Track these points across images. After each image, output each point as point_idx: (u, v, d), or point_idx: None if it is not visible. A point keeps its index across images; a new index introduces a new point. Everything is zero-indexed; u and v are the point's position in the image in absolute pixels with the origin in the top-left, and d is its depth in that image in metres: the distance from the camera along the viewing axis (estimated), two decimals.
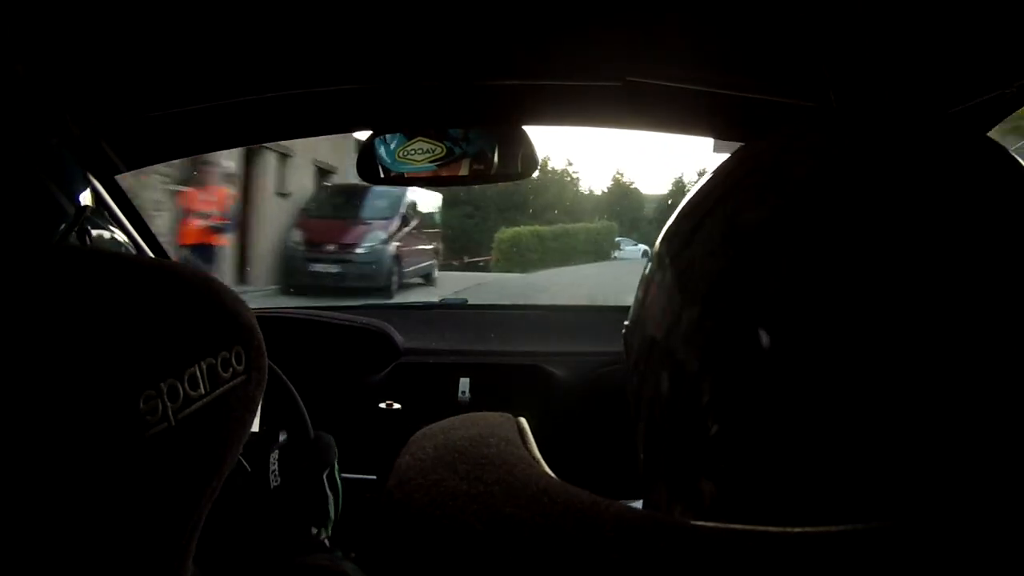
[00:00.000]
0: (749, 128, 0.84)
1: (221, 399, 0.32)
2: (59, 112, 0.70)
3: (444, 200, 12.42)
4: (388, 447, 0.44)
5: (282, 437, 0.93)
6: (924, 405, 0.20)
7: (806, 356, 0.21)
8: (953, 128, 0.25)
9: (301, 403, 0.87)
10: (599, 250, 14.94)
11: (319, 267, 7.30)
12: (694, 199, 0.28)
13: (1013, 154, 0.24)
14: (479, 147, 0.85)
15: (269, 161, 8.04)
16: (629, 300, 0.31)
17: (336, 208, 8.05)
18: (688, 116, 0.85)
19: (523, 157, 0.85)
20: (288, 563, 0.62)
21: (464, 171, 0.86)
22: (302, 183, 8.83)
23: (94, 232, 0.76)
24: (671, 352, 0.25)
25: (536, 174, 0.89)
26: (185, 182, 5.17)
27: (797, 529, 0.18)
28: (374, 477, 1.03)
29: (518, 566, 0.18)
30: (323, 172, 9.69)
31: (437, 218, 10.13)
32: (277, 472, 0.80)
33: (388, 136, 0.85)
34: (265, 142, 1.21)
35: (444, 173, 0.86)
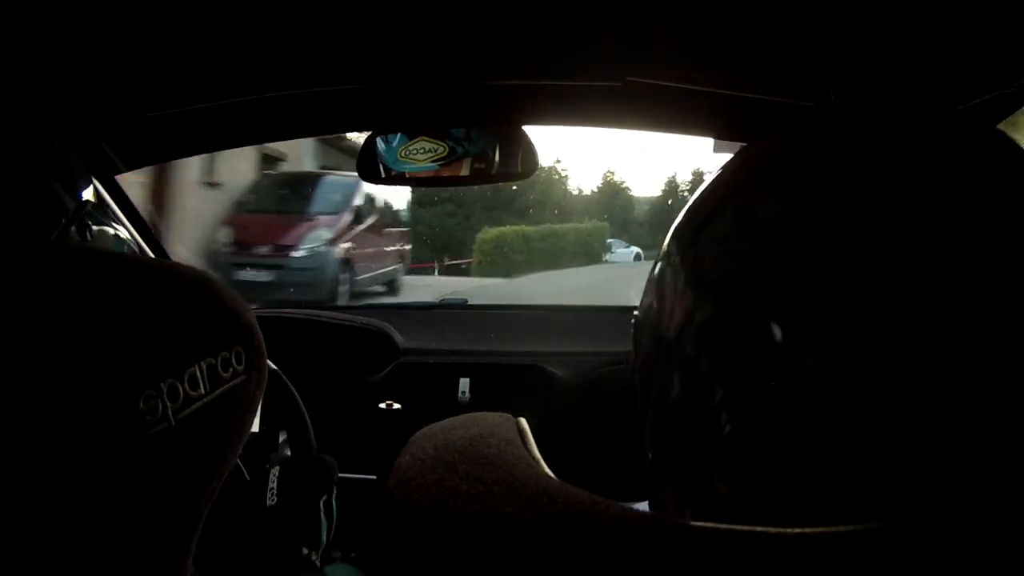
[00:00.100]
0: (749, 128, 0.84)
1: (221, 399, 0.32)
2: (60, 112, 0.70)
3: (423, 197, 11.75)
4: (388, 447, 0.44)
5: (282, 437, 0.94)
6: (940, 404, 0.19)
7: (820, 355, 0.21)
8: (963, 121, 0.25)
9: (307, 419, 0.87)
10: (589, 252, 13.73)
11: (247, 275, 5.71)
12: (702, 197, 0.28)
13: None
14: (481, 147, 0.85)
15: None
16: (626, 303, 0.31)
17: (279, 201, 6.41)
18: (688, 116, 0.85)
19: (524, 157, 0.85)
20: None
21: (465, 171, 0.86)
22: (239, 171, 6.89)
23: (97, 228, 0.76)
24: (682, 351, 0.25)
25: None
26: None
27: (796, 530, 0.18)
28: (374, 477, 1.03)
29: (518, 566, 0.18)
30: (269, 160, 7.80)
31: (404, 215, 8.63)
32: (275, 491, 0.80)
33: (390, 136, 0.85)
34: (265, 142, 1.21)
35: (446, 173, 0.86)
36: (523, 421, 0.27)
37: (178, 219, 6.16)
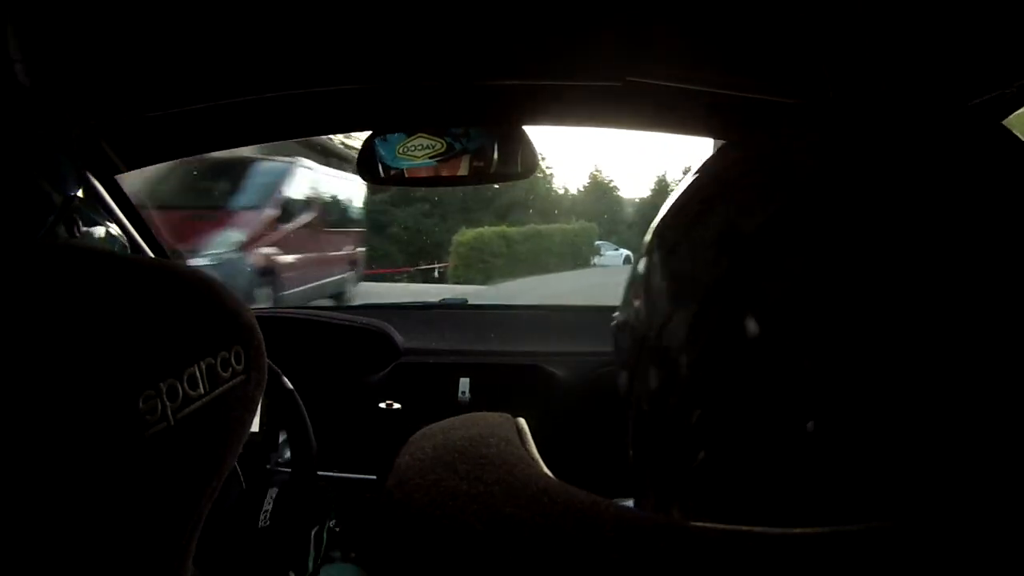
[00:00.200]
0: (749, 128, 0.83)
1: (220, 399, 0.32)
2: (59, 112, 0.70)
3: (396, 195, 10.75)
4: (388, 447, 0.44)
5: (282, 437, 0.94)
6: (926, 410, 0.20)
7: (802, 358, 0.21)
8: (951, 120, 0.25)
9: (307, 420, 0.87)
10: (577, 255, 12.52)
11: None
12: (684, 198, 0.28)
13: None
14: (479, 143, 0.85)
15: None
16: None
17: (197, 196, 5.10)
18: (688, 116, 0.85)
19: (523, 157, 0.85)
20: None
21: (464, 170, 0.86)
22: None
23: (88, 226, 0.76)
24: (662, 351, 0.25)
25: None
26: None
27: (797, 530, 0.18)
28: (374, 477, 1.03)
29: (518, 566, 0.18)
30: None
31: (356, 212, 7.06)
32: (269, 513, 0.80)
33: (388, 135, 0.85)
34: (265, 142, 1.21)
35: (444, 172, 0.86)
36: (522, 421, 0.27)
37: None
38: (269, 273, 5.03)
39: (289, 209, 5.34)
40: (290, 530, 0.80)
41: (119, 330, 0.29)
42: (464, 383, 1.11)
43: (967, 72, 0.57)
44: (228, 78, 0.75)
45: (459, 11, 0.62)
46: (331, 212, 6.23)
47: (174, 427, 0.30)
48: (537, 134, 0.85)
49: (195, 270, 0.34)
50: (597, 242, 13.14)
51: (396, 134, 0.85)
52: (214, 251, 4.63)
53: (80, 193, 0.76)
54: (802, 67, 0.67)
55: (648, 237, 0.28)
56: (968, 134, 0.24)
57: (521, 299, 7.64)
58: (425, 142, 0.85)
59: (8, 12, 0.55)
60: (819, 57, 0.63)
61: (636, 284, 0.28)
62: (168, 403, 0.29)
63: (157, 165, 0.90)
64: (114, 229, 0.84)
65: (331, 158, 6.94)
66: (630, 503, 0.26)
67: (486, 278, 10.06)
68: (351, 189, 6.66)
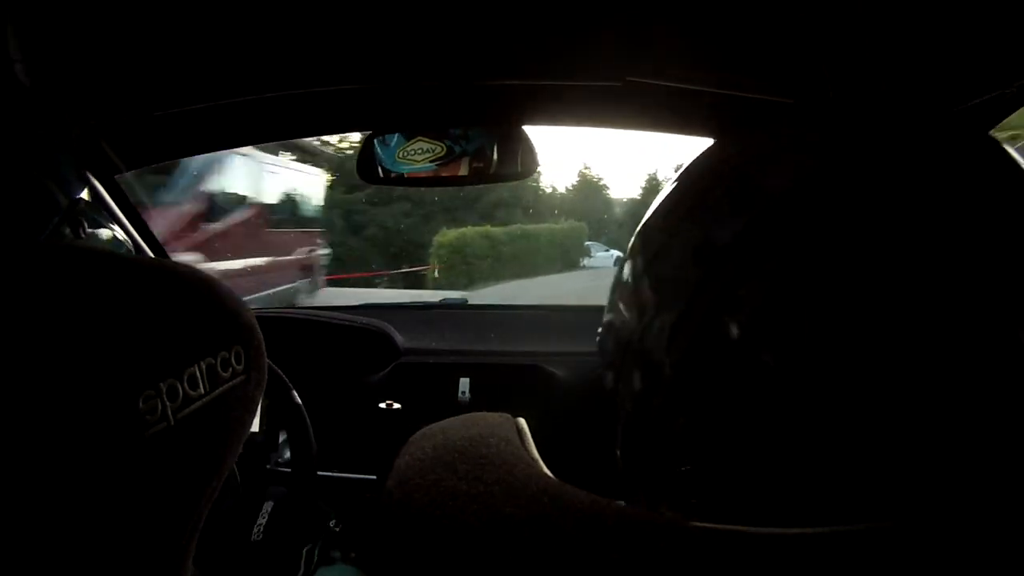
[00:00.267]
0: (749, 128, 0.83)
1: (220, 399, 0.32)
2: (59, 112, 0.70)
3: (374, 194, 9.85)
4: (388, 447, 0.45)
5: (282, 437, 0.94)
6: (910, 412, 0.20)
7: (784, 359, 0.21)
8: (923, 131, 0.25)
9: (307, 420, 0.86)
10: (566, 256, 11.73)
11: None
12: (666, 204, 0.28)
13: (1011, 152, 0.24)
14: (479, 144, 0.85)
15: None
16: None
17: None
18: (688, 116, 0.85)
19: (523, 157, 0.85)
20: None
21: (464, 171, 0.86)
22: None
23: (95, 230, 0.76)
24: (646, 353, 0.25)
25: None
26: None
27: (795, 530, 0.18)
28: (374, 477, 1.03)
29: (518, 566, 0.18)
30: None
31: (309, 209, 6.11)
32: (263, 527, 0.80)
33: (387, 136, 0.85)
34: (265, 142, 1.21)
35: (444, 173, 0.86)
36: (522, 421, 0.27)
37: None
38: None
39: (217, 206, 4.42)
40: (282, 546, 0.80)
41: (119, 330, 0.29)
42: (464, 383, 1.11)
43: (967, 72, 0.57)
44: (228, 78, 0.75)
45: (459, 11, 0.62)
46: (278, 210, 5.23)
47: (174, 427, 0.30)
48: (527, 131, 0.85)
49: (195, 270, 0.34)
50: (587, 242, 12.54)
51: (396, 137, 0.85)
52: None
53: (85, 195, 0.76)
54: (802, 67, 0.67)
55: (632, 240, 0.29)
56: (941, 141, 0.24)
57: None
58: (425, 145, 0.85)
59: (8, 12, 0.55)
60: (819, 57, 0.63)
61: (621, 286, 0.28)
62: (168, 403, 0.29)
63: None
64: (119, 231, 0.84)
65: (292, 149, 6.06)
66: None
67: (469, 282, 9.41)
68: (303, 183, 5.57)
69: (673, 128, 0.92)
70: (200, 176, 4.34)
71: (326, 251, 6.58)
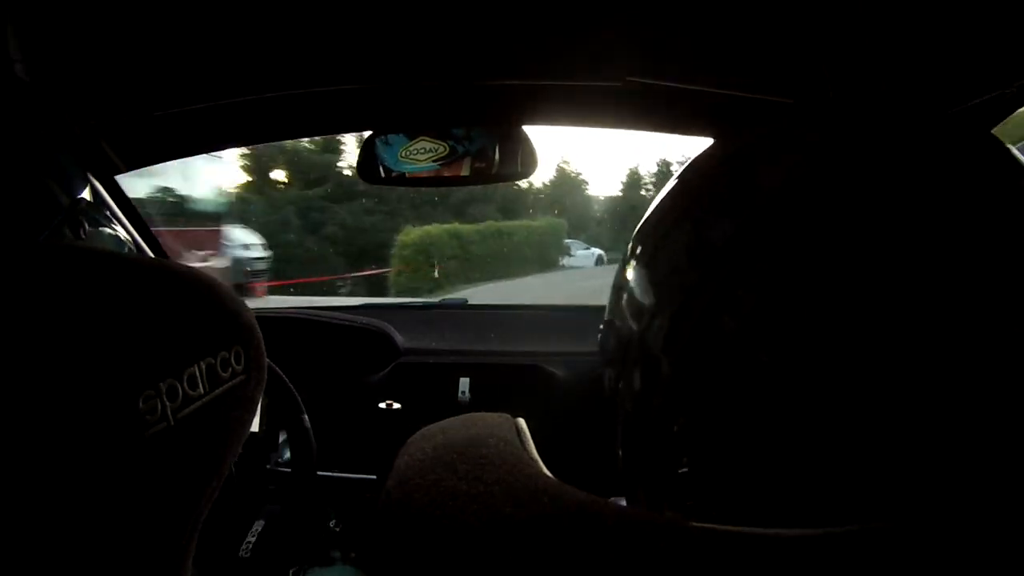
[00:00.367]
0: (747, 128, 0.83)
1: (220, 399, 0.32)
2: (59, 112, 0.70)
3: (337, 189, 9.25)
4: (388, 447, 0.44)
5: (282, 437, 0.94)
6: (910, 412, 0.20)
7: (782, 358, 0.21)
8: (913, 132, 0.25)
9: (306, 420, 0.86)
10: (544, 256, 10.64)
11: None
12: (664, 203, 0.28)
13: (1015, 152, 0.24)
14: (481, 145, 0.85)
15: None
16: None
17: None
18: (688, 116, 0.85)
19: (523, 157, 0.85)
20: None
21: (466, 171, 0.86)
22: None
23: (95, 229, 0.76)
24: (645, 352, 0.25)
25: None
26: None
27: (795, 531, 0.18)
28: (374, 477, 1.03)
29: (517, 566, 0.18)
30: None
31: (211, 204, 5.18)
32: (252, 545, 0.79)
33: (390, 136, 0.85)
34: (265, 142, 1.21)
35: (446, 173, 0.86)
36: (521, 421, 0.27)
37: None
38: None
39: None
40: (270, 567, 0.79)
41: (119, 330, 0.29)
42: (464, 383, 1.11)
43: (967, 72, 0.57)
44: (228, 78, 0.75)
45: (459, 11, 0.62)
46: (167, 203, 4.32)
47: (174, 427, 0.30)
48: (527, 131, 0.85)
49: (195, 270, 0.34)
50: (566, 240, 11.56)
51: (398, 136, 0.85)
52: None
53: (86, 194, 0.76)
54: (802, 67, 0.67)
55: (632, 239, 0.29)
56: (939, 139, 0.24)
57: None
58: (428, 145, 0.85)
59: (8, 12, 0.55)
60: (819, 57, 0.63)
61: (620, 285, 0.28)
62: (168, 403, 0.29)
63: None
64: (120, 231, 0.84)
65: None
66: (621, 502, 0.26)
67: (435, 286, 8.46)
68: (203, 170, 4.49)
69: (673, 128, 0.92)
70: None
71: (258, 254, 5.76)
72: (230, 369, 0.33)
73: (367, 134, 0.86)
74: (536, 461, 0.23)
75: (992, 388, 0.19)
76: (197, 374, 0.31)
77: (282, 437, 0.95)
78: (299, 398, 0.88)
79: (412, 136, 0.84)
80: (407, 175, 0.86)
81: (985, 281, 0.20)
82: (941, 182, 0.22)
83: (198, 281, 0.33)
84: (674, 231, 0.26)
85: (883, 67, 0.61)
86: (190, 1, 0.58)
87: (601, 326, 0.31)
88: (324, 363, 1.13)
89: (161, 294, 0.31)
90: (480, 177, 0.87)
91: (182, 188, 4.79)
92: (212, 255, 4.78)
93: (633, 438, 0.26)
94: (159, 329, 0.30)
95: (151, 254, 0.97)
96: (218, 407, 0.32)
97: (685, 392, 0.23)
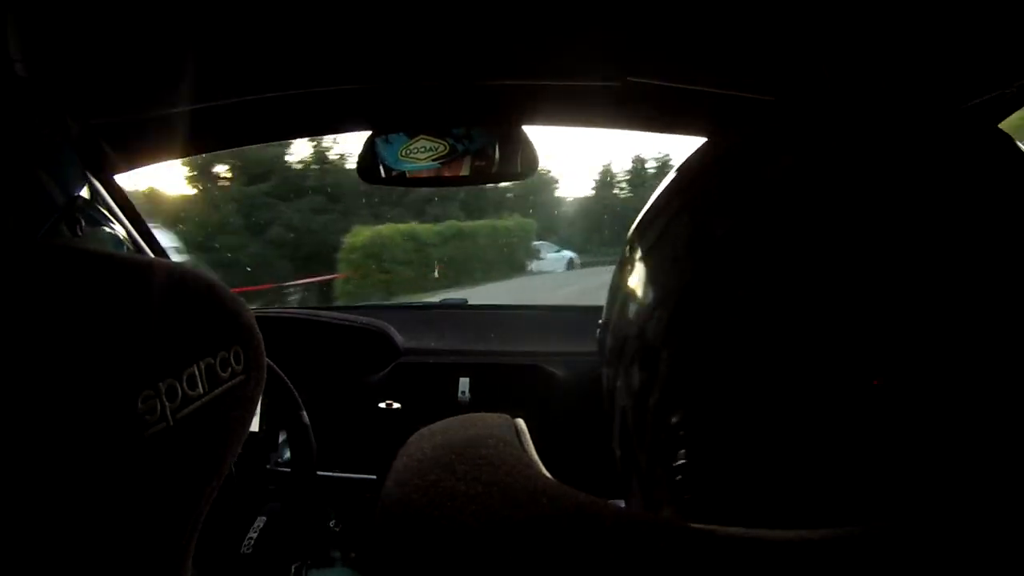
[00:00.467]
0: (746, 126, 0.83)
1: (220, 399, 0.32)
2: (58, 111, 0.70)
3: (282, 187, 8.32)
4: (388, 447, 0.44)
5: (282, 437, 0.94)
6: (913, 412, 0.20)
7: (772, 355, 0.21)
8: (906, 126, 0.24)
9: (306, 420, 0.86)
10: (511, 259, 9.52)
11: None
12: (661, 199, 0.28)
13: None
14: (481, 144, 0.85)
15: None
16: None
17: None
18: (688, 116, 0.85)
19: (523, 157, 0.85)
20: None
21: (466, 170, 0.86)
22: None
23: (93, 228, 0.75)
24: (643, 350, 0.25)
25: None
26: None
27: (795, 532, 0.18)
28: (374, 477, 1.03)
29: (516, 567, 0.18)
30: None
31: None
32: (253, 541, 0.79)
33: (390, 136, 0.85)
34: (265, 142, 1.21)
35: (446, 173, 0.86)
36: (521, 422, 0.27)
37: None
38: None
39: None
40: (271, 562, 0.79)
41: (118, 330, 0.29)
42: (464, 383, 1.11)
43: (967, 72, 0.57)
44: (228, 78, 0.75)
45: (459, 11, 0.62)
46: None
47: (173, 427, 0.30)
48: (526, 131, 0.85)
49: (195, 270, 0.34)
50: (535, 242, 10.42)
51: (398, 136, 0.85)
52: None
53: (85, 193, 0.76)
54: (803, 68, 0.67)
55: (629, 236, 0.29)
56: (938, 135, 0.24)
57: None
58: (428, 144, 0.85)
59: (8, 12, 0.55)
60: (819, 58, 0.63)
61: (618, 284, 0.28)
62: (167, 403, 0.29)
63: None
64: (119, 229, 0.84)
65: None
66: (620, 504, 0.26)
67: (387, 295, 7.54)
68: None
69: (673, 128, 0.91)
70: None
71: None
72: (229, 369, 0.33)
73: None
74: (535, 462, 0.23)
75: (995, 388, 0.19)
76: (196, 374, 0.31)
77: (282, 437, 0.95)
78: (298, 398, 0.88)
79: (412, 135, 0.84)
80: (407, 174, 0.86)
81: (991, 278, 0.20)
82: (949, 176, 0.22)
83: (198, 281, 0.33)
84: (672, 227, 0.26)
85: (883, 67, 0.61)
86: (190, 1, 0.58)
87: (599, 326, 0.31)
88: (324, 363, 1.13)
89: (160, 294, 0.31)
90: (480, 176, 0.87)
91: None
92: None
93: (630, 433, 0.26)
94: (158, 329, 0.30)
95: (151, 254, 0.97)
96: (218, 407, 0.32)
97: (683, 385, 0.23)
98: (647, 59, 0.70)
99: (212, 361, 0.32)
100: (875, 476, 0.20)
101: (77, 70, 0.67)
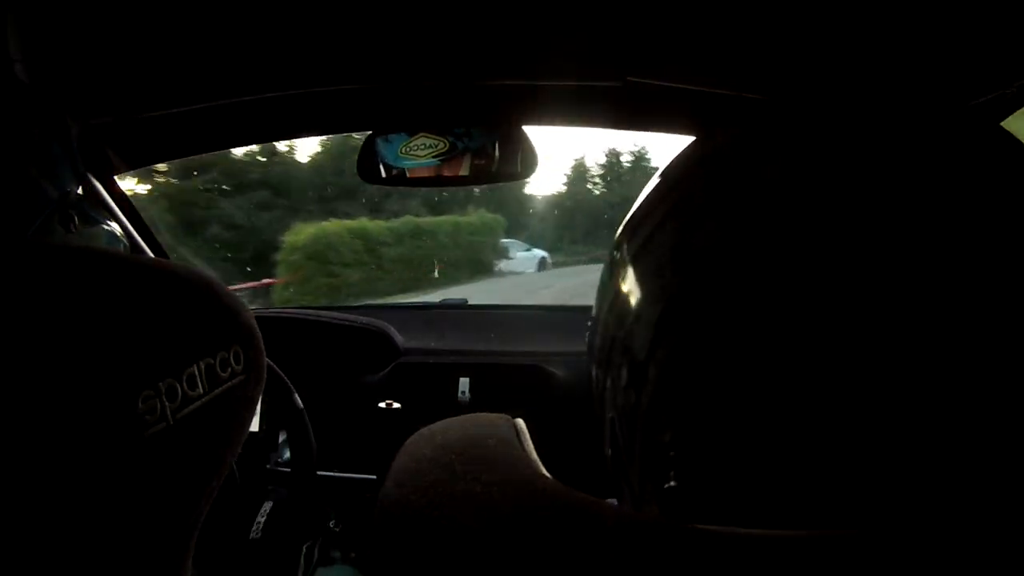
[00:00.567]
0: (730, 125, 0.83)
1: (220, 399, 0.32)
2: (58, 112, 0.70)
3: (227, 179, 7.44)
4: (388, 447, 0.44)
5: (282, 437, 0.94)
6: (900, 418, 0.19)
7: (763, 359, 0.21)
8: (916, 129, 0.24)
9: (306, 420, 0.87)
10: (476, 259, 8.57)
11: None
12: (647, 203, 0.28)
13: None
14: (481, 143, 0.85)
15: None
16: None
17: None
18: (689, 117, 0.85)
19: (523, 157, 0.85)
20: None
21: (465, 170, 0.86)
22: None
23: (88, 225, 0.75)
24: (631, 351, 0.25)
25: None
26: None
27: (795, 533, 0.18)
28: (374, 477, 1.03)
29: (516, 567, 0.18)
30: None
31: None
32: (262, 525, 0.80)
33: (390, 135, 0.85)
34: (265, 142, 1.21)
35: (446, 172, 0.86)
36: (520, 422, 0.27)
37: None
38: None
39: None
40: (282, 545, 0.80)
41: (118, 330, 0.29)
42: (464, 383, 1.11)
43: (967, 72, 0.57)
44: (228, 78, 0.75)
45: (459, 11, 0.62)
46: None
47: (173, 427, 0.30)
48: (526, 131, 0.85)
49: (195, 270, 0.34)
50: (503, 240, 9.34)
51: (399, 134, 0.85)
52: None
53: (79, 190, 0.76)
54: (803, 68, 0.67)
55: (616, 237, 0.28)
56: (936, 134, 0.24)
57: None
58: (428, 141, 0.85)
59: (8, 12, 0.55)
60: (820, 58, 0.63)
61: (606, 284, 0.28)
62: (167, 403, 0.29)
63: None
64: (116, 227, 0.84)
65: None
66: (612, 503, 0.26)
67: (330, 302, 6.17)
68: None
69: (674, 129, 0.91)
70: None
71: None
72: (229, 369, 0.33)
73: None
74: (535, 462, 0.23)
75: (992, 390, 0.19)
76: (196, 374, 0.31)
77: (282, 437, 0.95)
78: (298, 397, 0.88)
79: (412, 133, 0.84)
80: (407, 173, 0.86)
81: (987, 282, 0.20)
82: (947, 177, 0.22)
83: (198, 281, 0.33)
84: (659, 228, 0.26)
85: (883, 68, 0.61)
86: (190, 1, 0.58)
87: (588, 325, 0.31)
88: (324, 363, 1.13)
89: (160, 294, 0.31)
90: (481, 176, 0.87)
91: None
92: None
93: (620, 436, 0.26)
94: (158, 329, 0.30)
95: (151, 254, 0.97)
96: (218, 407, 0.32)
97: (670, 390, 0.23)
98: (647, 59, 0.70)
99: (212, 361, 0.32)
100: (867, 483, 0.20)
101: (77, 70, 0.67)
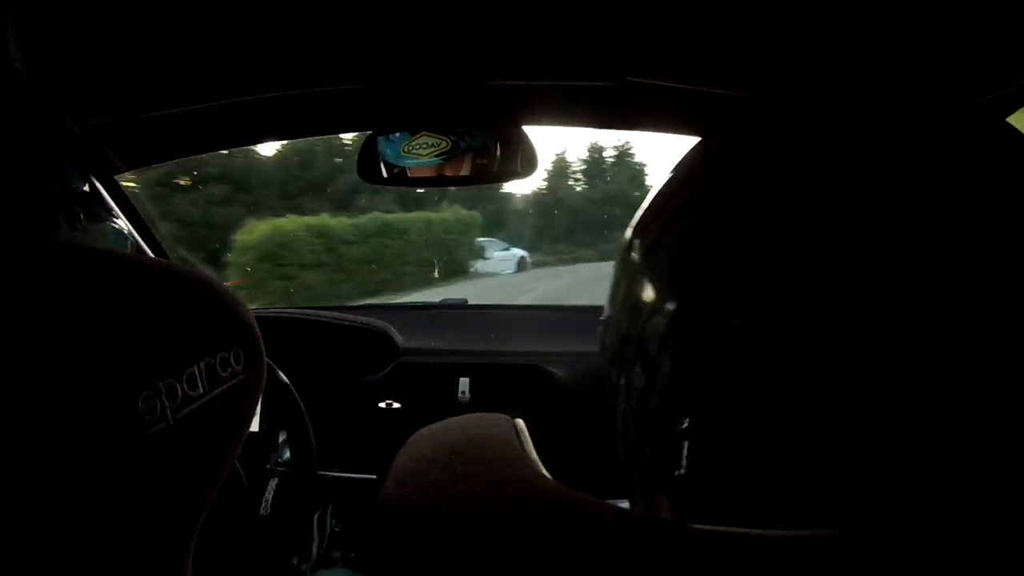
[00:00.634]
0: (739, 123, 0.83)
1: (220, 399, 0.32)
2: (59, 112, 0.70)
3: (178, 173, 6.38)
4: (388, 447, 0.44)
5: (282, 437, 0.94)
6: (912, 414, 0.19)
7: (773, 354, 0.21)
8: (898, 122, 0.24)
9: (307, 419, 0.87)
10: (450, 260, 7.97)
11: None
12: (660, 198, 0.28)
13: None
14: (482, 142, 0.85)
15: None
16: None
17: None
18: (688, 116, 0.85)
19: (523, 157, 0.85)
20: None
21: (467, 169, 0.86)
22: None
23: (94, 223, 0.75)
24: (645, 349, 0.25)
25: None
26: None
27: (795, 533, 0.18)
28: (374, 477, 1.03)
29: (515, 567, 0.18)
30: None
31: None
32: (270, 502, 0.80)
33: (392, 134, 0.85)
34: (265, 142, 1.21)
35: (448, 171, 0.86)
36: (520, 422, 0.27)
37: None
38: None
39: None
40: (292, 517, 0.80)
41: (118, 330, 0.29)
42: (464, 383, 1.11)
43: (966, 72, 0.57)
44: (228, 78, 0.75)
45: (460, 11, 0.62)
46: None
47: (173, 427, 0.30)
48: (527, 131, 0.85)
49: (195, 270, 0.34)
50: (480, 239, 8.70)
51: (401, 134, 0.85)
52: None
53: (83, 187, 0.76)
54: (803, 68, 0.67)
55: (629, 234, 0.28)
56: (936, 130, 0.23)
57: None
58: (430, 140, 0.85)
59: (8, 12, 0.55)
60: (820, 58, 0.63)
61: (618, 283, 0.28)
62: (167, 403, 0.29)
63: None
64: (123, 223, 0.84)
65: None
66: (627, 504, 0.26)
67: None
68: None
69: (674, 128, 0.91)
70: None
71: None
72: (229, 369, 0.33)
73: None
74: (535, 462, 0.23)
75: (994, 390, 0.19)
76: (196, 374, 0.31)
77: (282, 437, 0.95)
78: (298, 397, 0.88)
79: (414, 132, 0.84)
80: (409, 173, 0.86)
81: (992, 279, 0.20)
82: (951, 172, 0.21)
83: (197, 281, 0.33)
84: (669, 229, 0.26)
85: (883, 68, 0.61)
86: (190, 1, 0.58)
87: (600, 322, 0.31)
88: (324, 363, 1.13)
89: (160, 294, 0.31)
90: (482, 175, 0.87)
91: None
92: None
93: (633, 433, 0.26)
94: (158, 329, 0.30)
95: (151, 254, 0.97)
96: (218, 407, 0.32)
97: (685, 388, 0.23)
98: (647, 59, 0.70)
99: (212, 361, 0.32)
100: (880, 482, 0.20)
101: (77, 71, 0.67)
